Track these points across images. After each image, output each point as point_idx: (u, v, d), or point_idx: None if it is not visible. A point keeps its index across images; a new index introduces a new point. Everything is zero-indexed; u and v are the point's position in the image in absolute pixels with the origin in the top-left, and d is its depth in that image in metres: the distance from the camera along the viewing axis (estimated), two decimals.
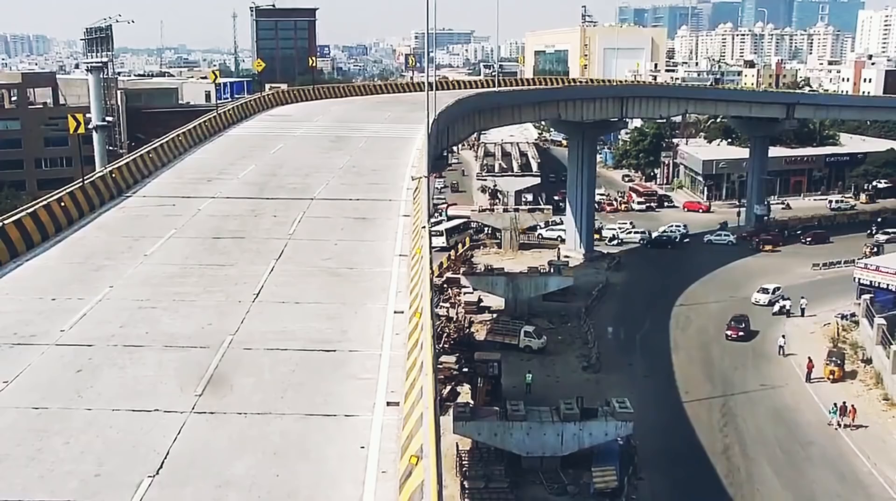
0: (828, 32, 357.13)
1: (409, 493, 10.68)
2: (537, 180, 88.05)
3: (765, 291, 62.21)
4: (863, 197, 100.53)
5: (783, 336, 53.21)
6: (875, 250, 74.45)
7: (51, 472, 12.13)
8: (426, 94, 36.41)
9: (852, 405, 43.32)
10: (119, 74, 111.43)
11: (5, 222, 22.69)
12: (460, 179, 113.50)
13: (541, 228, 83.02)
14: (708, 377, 50.09)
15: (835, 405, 43.50)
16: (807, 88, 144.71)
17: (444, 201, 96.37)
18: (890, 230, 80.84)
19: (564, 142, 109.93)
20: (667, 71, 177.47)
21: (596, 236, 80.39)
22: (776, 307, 60.39)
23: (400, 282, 20.29)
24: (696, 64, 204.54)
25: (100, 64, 77.30)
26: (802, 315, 59.84)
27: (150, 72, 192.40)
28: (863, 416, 43.87)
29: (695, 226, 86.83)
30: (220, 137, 42.96)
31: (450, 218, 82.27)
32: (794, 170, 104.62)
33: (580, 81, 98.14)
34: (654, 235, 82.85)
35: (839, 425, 42.54)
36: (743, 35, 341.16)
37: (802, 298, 60.91)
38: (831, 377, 48.26)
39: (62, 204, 25.66)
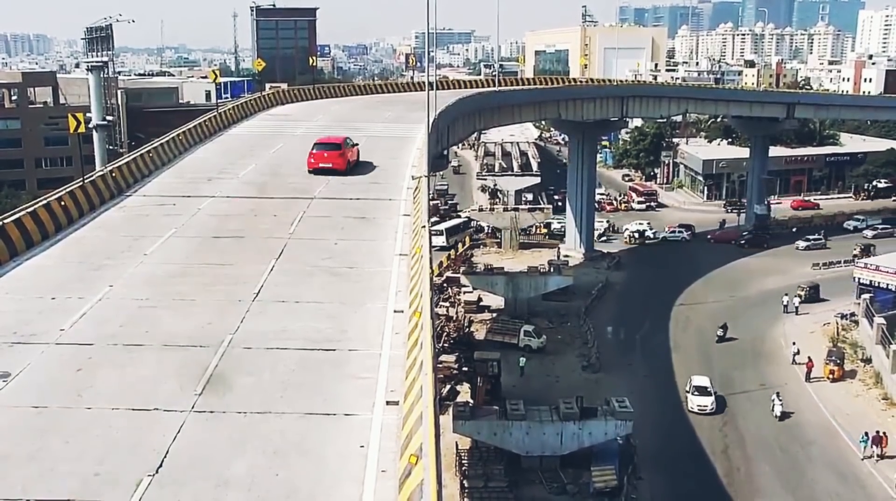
0: (828, 32, 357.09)
1: (409, 492, 10.69)
2: (537, 180, 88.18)
3: (702, 391, 45.76)
4: None
5: (794, 343, 52.72)
6: (864, 250, 74.41)
7: (50, 471, 12.14)
8: (426, 93, 36.43)
9: (884, 433, 39.87)
10: (119, 73, 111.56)
11: (5, 221, 22.68)
12: (460, 161, 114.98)
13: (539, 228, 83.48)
14: (707, 376, 50.03)
15: (866, 434, 39.92)
16: (807, 88, 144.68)
17: (445, 186, 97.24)
18: (811, 237, 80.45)
19: None
20: (667, 71, 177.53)
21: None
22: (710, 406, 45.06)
23: (400, 281, 20.29)
24: (697, 64, 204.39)
25: (100, 63, 77.29)
26: (797, 313, 59.98)
27: (150, 71, 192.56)
28: (862, 416, 43.88)
29: (703, 225, 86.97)
30: (221, 137, 42.94)
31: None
32: (795, 170, 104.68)
33: (580, 81, 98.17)
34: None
35: (873, 456, 39.25)
36: (743, 35, 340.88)
37: (796, 296, 61.07)
38: (831, 376, 48.28)
39: (62, 203, 25.65)
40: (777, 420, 43.63)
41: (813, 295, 61.91)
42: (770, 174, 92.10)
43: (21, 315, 18.07)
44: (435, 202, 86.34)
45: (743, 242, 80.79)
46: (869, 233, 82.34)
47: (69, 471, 12.14)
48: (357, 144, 36.18)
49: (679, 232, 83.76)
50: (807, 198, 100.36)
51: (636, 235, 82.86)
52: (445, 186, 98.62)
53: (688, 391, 46.15)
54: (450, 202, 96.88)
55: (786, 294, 61.59)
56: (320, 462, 12.52)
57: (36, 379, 15.11)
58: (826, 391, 47.06)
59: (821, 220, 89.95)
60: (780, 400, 44.54)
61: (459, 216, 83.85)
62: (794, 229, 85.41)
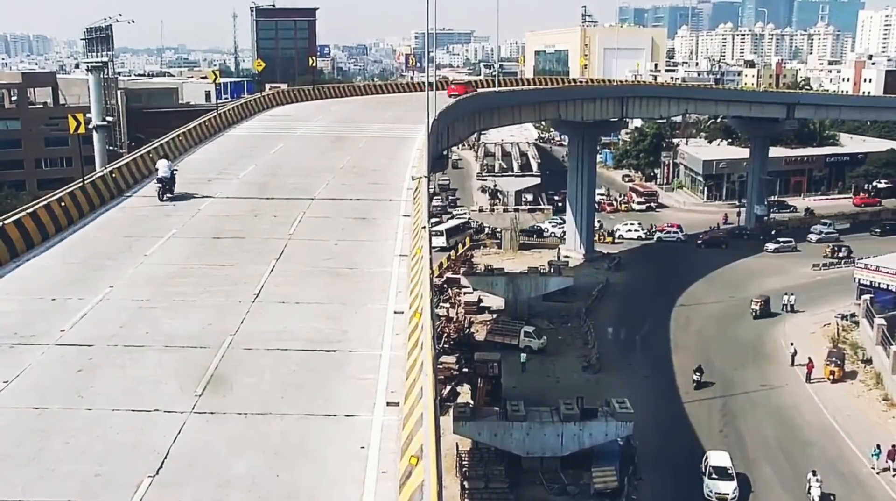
0: (828, 32, 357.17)
1: (409, 493, 10.68)
2: (537, 180, 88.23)
3: (722, 473, 37.15)
4: None
5: (792, 344, 52.58)
6: (835, 252, 75.20)
7: (51, 472, 12.14)
8: (426, 93, 36.45)
9: None
10: (119, 73, 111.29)
11: (5, 222, 22.67)
12: (458, 155, 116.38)
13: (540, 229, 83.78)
14: (708, 377, 50.01)
15: (878, 447, 38.37)
16: (807, 89, 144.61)
17: (447, 181, 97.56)
18: (781, 239, 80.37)
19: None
20: (667, 71, 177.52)
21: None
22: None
23: (400, 282, 20.28)
24: (697, 64, 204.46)
25: (100, 64, 77.23)
26: (792, 311, 60.15)
27: (150, 72, 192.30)
28: (862, 416, 43.87)
29: (693, 226, 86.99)
30: (220, 137, 42.95)
31: None
32: (795, 170, 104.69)
33: (580, 81, 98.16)
34: None
35: (889, 469, 37.69)
36: (743, 35, 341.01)
37: (792, 294, 61.33)
38: (831, 377, 48.25)
39: (62, 204, 25.65)
40: None
41: (765, 309, 59.86)
42: (770, 175, 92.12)
43: (21, 316, 18.06)
44: (436, 197, 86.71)
45: (699, 242, 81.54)
46: (813, 237, 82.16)
47: (69, 472, 12.14)
48: (476, 85, 65.73)
49: (675, 232, 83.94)
50: (868, 195, 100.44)
51: (605, 234, 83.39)
52: (447, 181, 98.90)
53: (704, 473, 37.39)
54: (451, 198, 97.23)
55: (786, 294, 61.95)
56: (321, 462, 12.52)
57: (36, 380, 15.10)
58: (826, 392, 47.03)
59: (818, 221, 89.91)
60: (819, 481, 36.33)
61: (458, 208, 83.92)
62: (772, 232, 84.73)
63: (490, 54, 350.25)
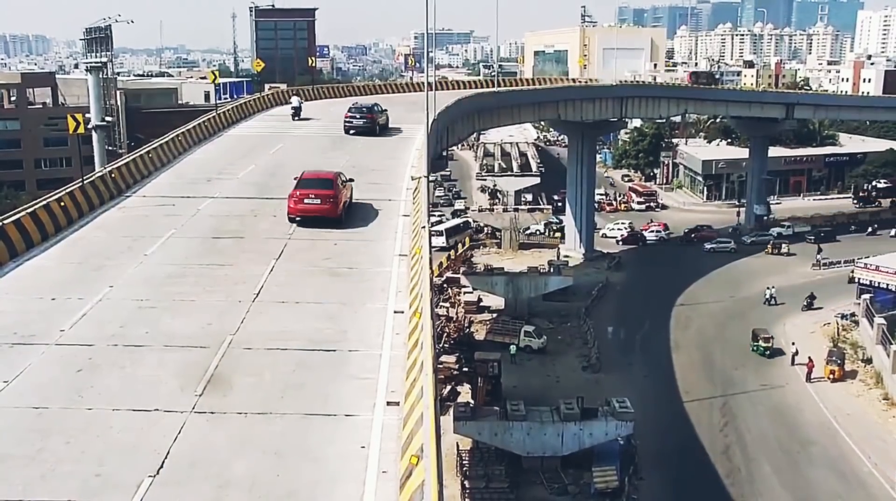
0: (827, 33, 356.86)
1: (410, 493, 10.67)
2: (537, 180, 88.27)
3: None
4: None
5: (793, 343, 52.71)
6: (775, 249, 77.35)
7: (51, 472, 12.12)
8: (426, 94, 36.39)
9: None
10: (118, 74, 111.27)
11: (5, 222, 22.64)
12: (457, 151, 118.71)
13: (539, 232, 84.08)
14: (708, 376, 50.08)
15: None
16: (806, 89, 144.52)
17: (449, 173, 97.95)
18: (721, 239, 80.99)
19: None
20: (666, 71, 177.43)
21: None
22: None
23: (400, 282, 20.26)
24: (696, 64, 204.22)
25: (99, 64, 77.19)
26: (774, 304, 61.46)
27: (149, 72, 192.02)
28: (863, 416, 43.89)
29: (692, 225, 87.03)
30: (220, 138, 42.88)
31: None
32: (794, 170, 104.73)
33: (580, 82, 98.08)
34: None
35: None
36: (742, 35, 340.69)
37: (773, 287, 62.74)
38: (831, 376, 48.31)
39: (62, 204, 25.61)
40: None
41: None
42: (769, 175, 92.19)
43: (21, 316, 18.04)
44: (439, 187, 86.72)
45: (618, 239, 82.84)
46: (747, 239, 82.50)
47: (70, 472, 12.12)
48: None
49: (659, 231, 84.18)
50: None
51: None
52: (449, 173, 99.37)
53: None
54: (453, 190, 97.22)
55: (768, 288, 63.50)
56: (321, 462, 12.50)
57: (36, 380, 15.08)
58: (827, 392, 47.06)
59: (820, 220, 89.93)
60: None
61: (462, 198, 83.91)
62: (729, 229, 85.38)
63: (489, 54, 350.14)
